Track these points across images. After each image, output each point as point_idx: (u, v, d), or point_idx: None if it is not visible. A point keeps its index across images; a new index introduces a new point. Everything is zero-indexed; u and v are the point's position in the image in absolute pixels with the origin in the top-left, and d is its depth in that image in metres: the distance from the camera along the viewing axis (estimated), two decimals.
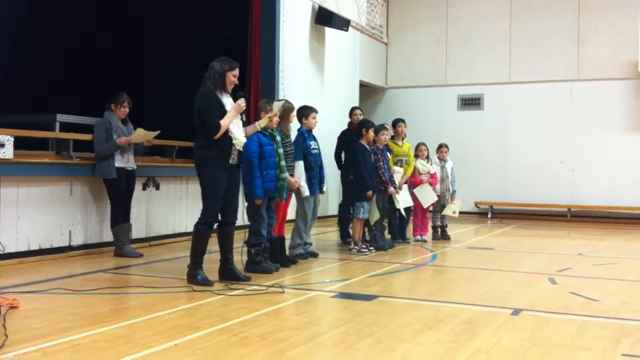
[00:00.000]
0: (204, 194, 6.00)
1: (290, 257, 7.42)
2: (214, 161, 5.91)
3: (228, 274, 6.11)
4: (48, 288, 5.69)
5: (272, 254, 6.95)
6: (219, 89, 5.92)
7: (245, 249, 6.70)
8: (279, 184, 6.73)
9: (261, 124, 6.64)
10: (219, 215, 6.07)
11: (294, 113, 7.43)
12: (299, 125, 7.84)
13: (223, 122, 5.85)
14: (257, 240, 6.68)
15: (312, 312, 5.19)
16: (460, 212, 10.30)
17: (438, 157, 10.06)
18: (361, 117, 9.28)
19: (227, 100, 5.97)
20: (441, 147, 10.15)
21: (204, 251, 6.03)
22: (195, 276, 5.89)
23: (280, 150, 6.75)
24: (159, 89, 12.76)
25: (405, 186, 9.26)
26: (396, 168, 9.15)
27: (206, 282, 5.87)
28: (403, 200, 9.09)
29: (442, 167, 9.98)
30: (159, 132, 7.77)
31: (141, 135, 7.66)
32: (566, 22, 14.73)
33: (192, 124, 6.05)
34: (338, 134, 9.64)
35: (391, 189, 8.70)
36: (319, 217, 8.97)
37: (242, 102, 6.01)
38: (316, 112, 7.85)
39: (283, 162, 6.75)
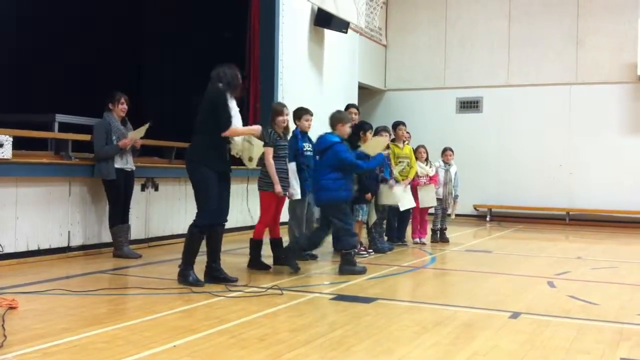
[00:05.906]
0: (198, 196, 6.00)
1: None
2: (210, 162, 5.93)
3: (216, 276, 6.10)
4: (47, 289, 5.68)
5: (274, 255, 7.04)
6: (230, 92, 5.96)
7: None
8: None
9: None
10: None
11: (285, 114, 7.25)
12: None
13: (237, 125, 5.98)
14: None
15: (311, 314, 5.18)
16: (459, 215, 10.31)
17: (443, 161, 10.04)
18: (356, 117, 8.82)
19: (232, 104, 5.99)
20: (446, 151, 10.13)
21: (196, 252, 6.04)
22: (187, 276, 5.91)
23: None
24: (158, 90, 12.77)
25: (407, 187, 9.23)
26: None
27: (197, 283, 5.89)
28: (405, 201, 9.07)
29: (446, 171, 9.96)
30: (148, 124, 7.70)
31: (137, 131, 7.66)
32: (565, 25, 14.74)
33: (191, 125, 6.06)
34: None
35: (391, 181, 8.62)
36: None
37: (260, 129, 6.34)
38: (310, 114, 7.74)
39: None
